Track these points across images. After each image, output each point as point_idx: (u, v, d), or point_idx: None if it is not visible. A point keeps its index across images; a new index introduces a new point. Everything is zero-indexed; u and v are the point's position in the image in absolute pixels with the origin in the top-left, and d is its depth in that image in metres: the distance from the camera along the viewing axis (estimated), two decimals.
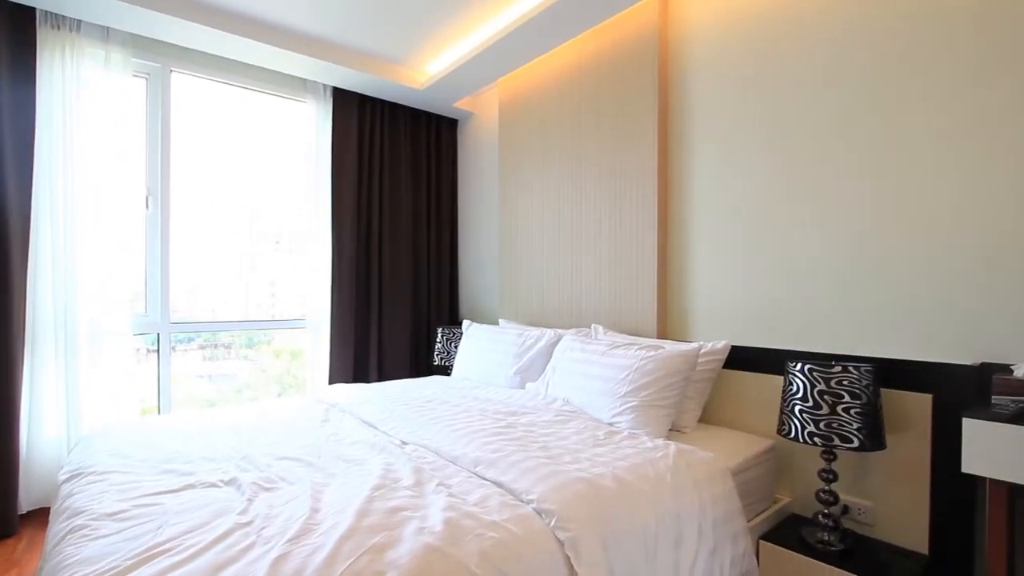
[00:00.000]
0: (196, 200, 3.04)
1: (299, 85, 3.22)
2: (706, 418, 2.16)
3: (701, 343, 2.08)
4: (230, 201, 3.18)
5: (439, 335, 3.40)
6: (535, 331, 2.68)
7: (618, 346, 2.11)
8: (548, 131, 2.93)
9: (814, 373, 1.60)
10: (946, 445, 1.58)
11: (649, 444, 1.69)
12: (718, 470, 1.62)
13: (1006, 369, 1.46)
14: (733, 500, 1.61)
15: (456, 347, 3.26)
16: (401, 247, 3.53)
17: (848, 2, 1.82)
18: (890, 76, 1.73)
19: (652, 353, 1.96)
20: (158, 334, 2.84)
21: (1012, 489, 1.31)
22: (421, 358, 3.63)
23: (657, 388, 1.88)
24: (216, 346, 3.29)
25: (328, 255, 3.23)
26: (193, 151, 3.01)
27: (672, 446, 1.67)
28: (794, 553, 1.64)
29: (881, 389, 1.65)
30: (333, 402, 2.30)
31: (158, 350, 2.84)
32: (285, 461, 1.57)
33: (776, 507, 1.90)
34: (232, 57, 2.91)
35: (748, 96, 2.10)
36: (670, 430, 1.95)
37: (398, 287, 3.50)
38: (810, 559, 1.60)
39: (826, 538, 1.66)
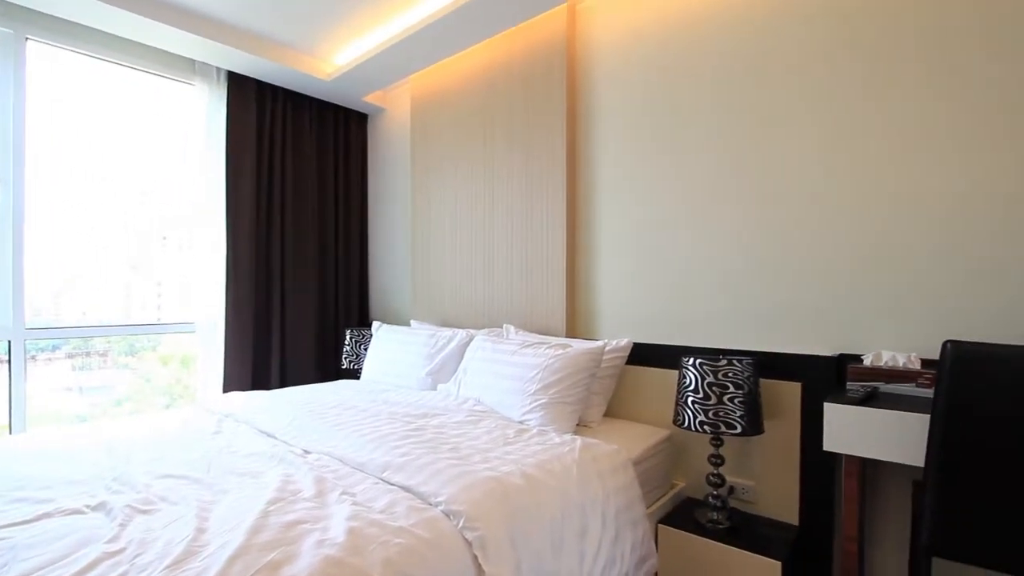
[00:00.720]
0: (63, 189, 2.68)
1: (187, 66, 2.94)
2: (611, 412, 2.27)
3: (606, 341, 2.18)
4: (108, 191, 2.84)
5: (348, 337, 3.27)
6: (447, 331, 2.66)
7: (528, 345, 2.16)
8: (461, 131, 2.93)
9: (704, 366, 1.73)
10: (812, 427, 1.78)
11: (557, 440, 1.74)
12: (620, 461, 1.70)
13: (858, 359, 1.67)
14: (634, 489, 1.70)
15: (366, 350, 3.16)
16: (306, 245, 3.35)
17: (739, 28, 2.00)
18: (774, 95, 1.92)
19: (560, 352, 2.02)
20: (9, 341, 2.46)
21: (863, 462, 1.50)
22: (328, 362, 3.47)
23: (565, 386, 1.94)
24: (89, 354, 2.92)
25: (223, 252, 2.98)
26: (60, 133, 2.65)
27: (578, 441, 1.73)
28: (688, 534, 1.76)
29: (760, 379, 1.83)
30: (227, 412, 2.13)
31: (9, 360, 2.47)
32: (168, 479, 1.43)
33: (672, 492, 2.03)
34: (104, 29, 2.60)
35: (647, 109, 2.23)
36: (577, 425, 2.02)
37: (303, 287, 3.31)
38: (702, 538, 1.73)
39: (715, 517, 1.81)
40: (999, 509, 1.15)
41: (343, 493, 1.32)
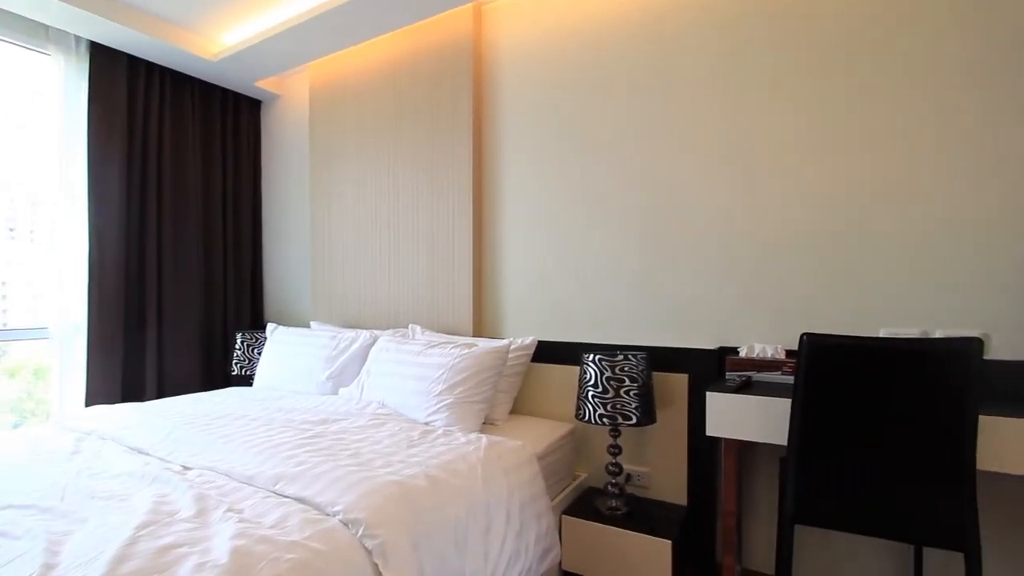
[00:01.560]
0: None
1: (39, 32, 2.55)
2: (517, 409, 2.31)
3: (511, 340, 2.21)
4: None
5: (238, 341, 3.03)
6: (350, 333, 2.55)
7: (434, 345, 2.13)
8: (365, 125, 2.82)
9: (603, 362, 1.82)
10: (697, 415, 1.94)
11: (463, 439, 1.74)
12: (525, 457, 1.74)
13: (735, 351, 1.85)
14: (538, 483, 1.74)
15: (259, 354, 2.94)
16: (188, 240, 3.04)
17: (641, 36, 2.12)
18: (667, 105, 2.06)
19: (467, 351, 2.02)
20: None
21: (740, 444, 1.66)
22: (216, 369, 3.18)
23: (471, 385, 1.94)
24: None
25: (84, 248, 2.62)
26: None
27: (484, 439, 1.74)
28: (589, 522, 1.84)
29: (653, 372, 1.95)
30: (90, 429, 1.88)
31: None
32: (8, 511, 1.23)
33: (575, 483, 2.11)
34: None
35: (552, 111, 2.30)
36: (483, 424, 2.03)
37: (185, 287, 3.00)
38: (602, 525, 1.82)
39: (614, 504, 1.90)
40: (849, 480, 1.32)
41: (229, 510, 1.21)
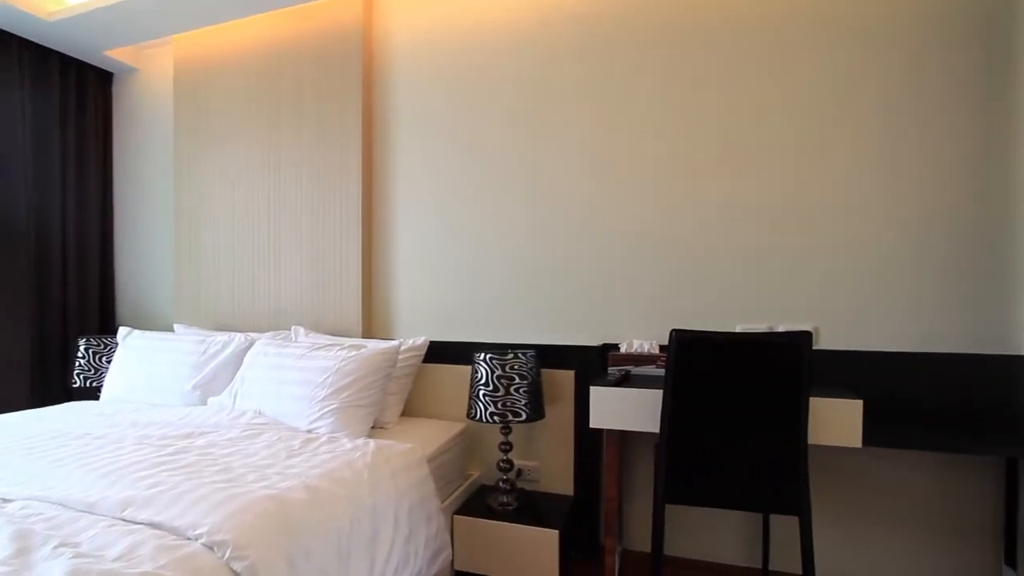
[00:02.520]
0: None
1: None
2: (408, 411, 2.26)
3: (402, 340, 2.16)
4: None
5: (81, 349, 2.62)
6: (221, 336, 2.33)
7: (319, 348, 2.01)
8: (242, 110, 2.59)
9: (494, 361, 1.84)
10: (583, 409, 2.04)
11: (349, 445, 1.66)
12: (415, 459, 1.70)
13: (616, 347, 1.97)
14: (428, 484, 1.72)
15: (109, 362, 2.57)
16: (13, 232, 2.57)
17: (528, 41, 2.17)
18: (555, 108, 2.14)
19: (354, 353, 1.93)
20: None
21: (621, 434, 1.77)
22: (52, 381, 2.73)
23: (358, 388, 1.86)
24: None
25: None
26: None
27: (371, 444, 1.68)
28: (480, 519, 1.85)
29: (542, 369, 2.02)
30: None
31: None
32: None
33: (468, 482, 2.12)
34: None
35: (446, 108, 2.29)
36: (372, 428, 1.96)
37: (8, 296, 2.53)
38: (493, 521, 1.84)
39: (505, 500, 1.93)
40: (710, 461, 1.47)
41: (60, 545, 1.04)
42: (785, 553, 1.89)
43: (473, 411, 1.88)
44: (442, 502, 1.84)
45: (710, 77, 1.94)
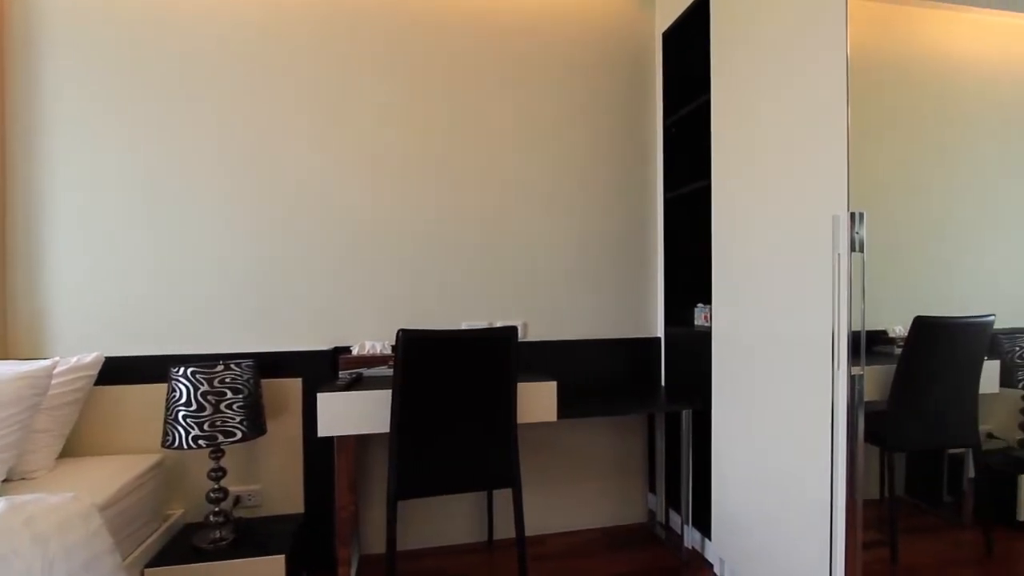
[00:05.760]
0: None
1: None
2: (72, 451, 1.75)
3: (58, 359, 1.65)
4: None
5: None
6: None
7: None
8: None
9: (198, 375, 1.57)
10: (312, 418, 1.91)
11: None
12: (76, 512, 1.32)
13: (348, 350, 1.91)
14: (100, 540, 1.35)
15: None
16: None
17: (254, 17, 1.90)
18: (273, 106, 1.93)
19: None
20: None
21: (356, 439, 1.72)
22: None
23: None
24: None
25: None
26: None
27: (0, 503, 1.23)
28: (181, 566, 1.55)
29: (262, 380, 1.81)
30: None
31: None
32: None
33: (167, 524, 1.75)
34: None
35: (136, 72, 1.84)
36: (5, 481, 1.45)
37: None
38: (201, 564, 1.56)
39: (218, 535, 1.67)
40: (438, 451, 1.54)
41: None
42: (507, 523, 2.12)
43: (170, 438, 1.57)
44: (126, 557, 1.48)
45: (434, 89, 2.05)
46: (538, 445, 2.15)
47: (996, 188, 1.66)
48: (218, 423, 1.58)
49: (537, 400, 1.70)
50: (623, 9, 2.23)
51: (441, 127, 2.05)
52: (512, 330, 1.55)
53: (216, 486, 1.69)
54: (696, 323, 2.07)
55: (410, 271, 2.04)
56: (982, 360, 1.62)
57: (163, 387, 1.81)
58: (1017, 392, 1.70)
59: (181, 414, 1.56)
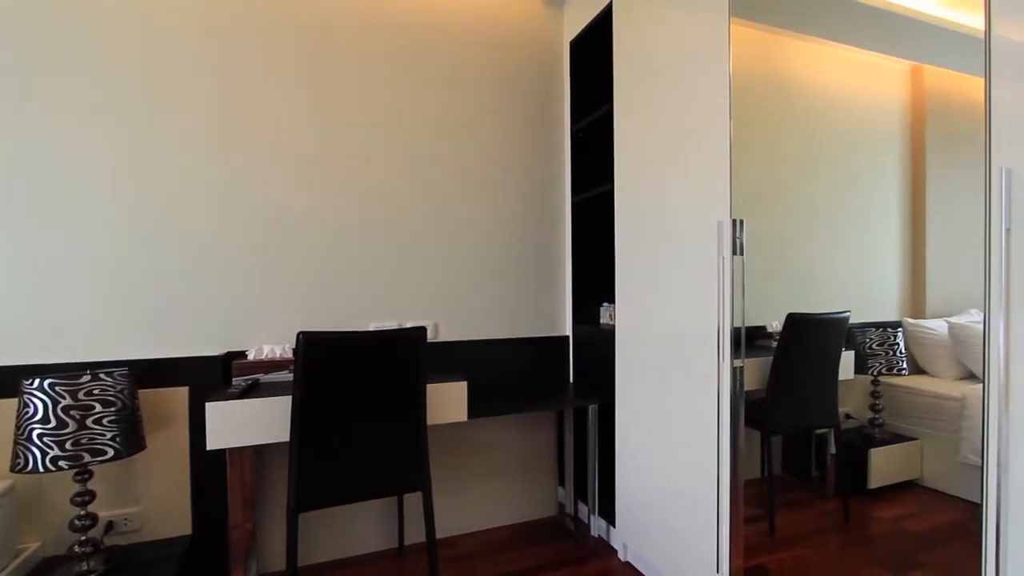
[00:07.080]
0: None
1: None
2: None
3: None
4: None
5: None
6: None
7: None
8: None
9: (58, 388, 1.38)
10: (200, 430, 1.75)
11: None
12: None
13: (243, 355, 1.77)
14: None
15: None
16: None
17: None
18: (167, 104, 1.75)
19: None
20: None
21: (252, 451, 1.60)
22: None
23: None
24: None
25: None
26: None
27: None
28: None
29: (140, 391, 1.63)
30: None
31: None
32: None
33: (19, 560, 1.52)
34: None
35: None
36: None
37: None
38: None
39: (85, 568, 1.48)
40: (343, 459, 1.47)
41: None
42: (419, 527, 2.08)
43: (21, 460, 1.36)
44: None
45: (341, 92, 1.97)
46: (449, 446, 2.14)
47: (849, 197, 1.91)
48: (84, 441, 1.40)
49: (448, 400, 1.69)
50: (533, 16, 2.28)
51: (349, 129, 1.97)
52: (421, 331, 1.53)
53: (82, 512, 1.50)
54: (602, 321, 2.16)
55: (316, 272, 1.93)
56: (840, 351, 1.85)
57: (13, 403, 1.57)
58: (867, 378, 1.96)
59: (35, 433, 1.36)
